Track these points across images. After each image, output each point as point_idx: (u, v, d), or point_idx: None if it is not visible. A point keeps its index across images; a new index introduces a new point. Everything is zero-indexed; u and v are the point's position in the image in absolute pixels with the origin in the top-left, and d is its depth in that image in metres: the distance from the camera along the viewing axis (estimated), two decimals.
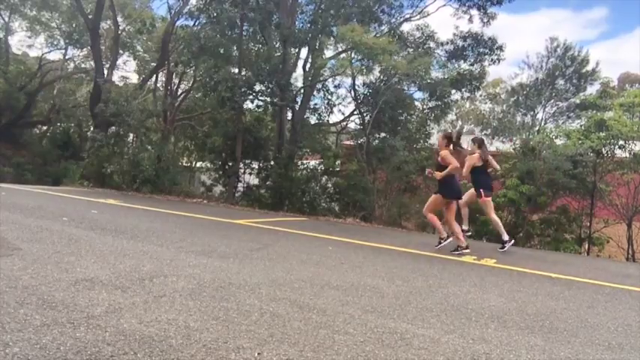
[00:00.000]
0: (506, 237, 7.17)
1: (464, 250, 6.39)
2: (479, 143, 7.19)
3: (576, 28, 69.83)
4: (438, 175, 6.56)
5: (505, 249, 7.11)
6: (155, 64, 17.89)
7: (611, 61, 57.50)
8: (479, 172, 7.07)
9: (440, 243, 6.80)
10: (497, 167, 7.65)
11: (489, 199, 7.15)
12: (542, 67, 15.81)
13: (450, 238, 6.68)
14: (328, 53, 15.44)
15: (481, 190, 7.05)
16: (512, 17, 67.53)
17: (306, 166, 14.37)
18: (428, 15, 15.77)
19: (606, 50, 67.18)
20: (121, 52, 20.41)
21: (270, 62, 12.98)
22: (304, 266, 4.39)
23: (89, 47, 19.97)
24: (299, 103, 14.64)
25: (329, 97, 14.98)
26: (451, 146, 6.66)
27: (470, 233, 7.83)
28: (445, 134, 7.01)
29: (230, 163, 14.40)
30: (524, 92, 15.93)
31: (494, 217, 7.27)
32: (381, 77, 13.76)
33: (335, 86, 15.93)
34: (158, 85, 20.20)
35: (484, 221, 12.39)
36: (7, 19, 23.17)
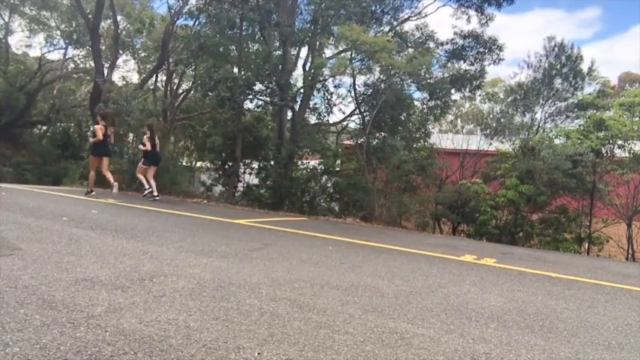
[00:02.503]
0: (91, 190, 9.49)
1: (91, 194, 9.25)
2: (102, 116, 9.93)
3: (571, 27, 70.04)
4: (92, 140, 9.84)
5: (92, 194, 9.36)
6: (155, 64, 17.87)
7: (606, 61, 57.74)
8: (102, 141, 9.54)
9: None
10: (112, 141, 10.33)
11: (95, 158, 9.80)
12: (540, 67, 15.76)
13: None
14: (328, 53, 15.46)
15: (92, 156, 9.98)
16: (506, 17, 67.70)
17: (306, 165, 14.38)
18: (426, 15, 15.80)
19: (601, 50, 67.40)
20: (120, 51, 20.39)
21: (269, 62, 12.97)
22: (304, 266, 4.39)
23: (89, 47, 19.96)
24: (299, 103, 14.64)
25: (329, 96, 14.99)
26: (104, 121, 9.64)
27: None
28: (100, 113, 10.26)
29: (230, 163, 14.40)
30: (522, 92, 15.89)
31: (92, 173, 9.75)
32: (381, 77, 13.76)
33: (335, 86, 15.95)
34: (158, 84, 20.18)
35: (483, 221, 12.42)
36: (7, 19, 23.15)
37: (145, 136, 10.42)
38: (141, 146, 10.56)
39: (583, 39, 78.94)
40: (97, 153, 9.74)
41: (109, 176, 9.69)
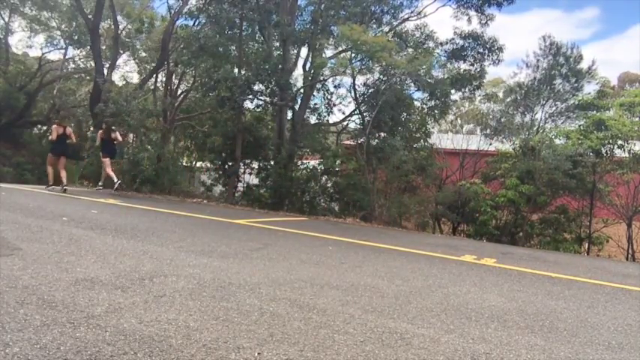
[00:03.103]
0: (52, 185, 10.25)
1: (52, 187, 10.12)
2: (60, 118, 11.24)
3: (569, 27, 70.03)
4: (52, 139, 10.51)
5: (51, 187, 10.19)
6: (155, 64, 17.88)
7: (605, 61, 57.68)
8: (58, 140, 10.32)
9: (54, 188, 10.36)
10: (74, 140, 10.85)
11: (50, 156, 10.53)
12: (539, 67, 15.73)
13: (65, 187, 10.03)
14: (328, 53, 15.46)
15: (50, 153, 10.64)
16: (505, 17, 67.65)
17: (306, 165, 14.38)
18: (426, 15, 15.80)
19: (600, 50, 67.38)
20: (121, 52, 20.39)
21: (269, 62, 12.97)
22: (304, 266, 4.39)
23: (89, 47, 19.95)
24: (299, 103, 14.64)
25: (329, 96, 15.00)
26: (62, 122, 10.90)
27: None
28: (60, 114, 11.98)
29: (230, 163, 14.40)
30: (522, 92, 15.88)
31: (49, 169, 10.45)
32: (381, 77, 13.76)
33: (335, 86, 15.95)
34: (158, 85, 20.18)
35: (483, 221, 12.43)
36: (7, 19, 23.15)
37: (99, 132, 11.36)
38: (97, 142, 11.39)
39: (582, 39, 79.04)
40: (54, 152, 10.49)
41: (49, 170, 10.42)
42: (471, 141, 16.01)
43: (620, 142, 11.44)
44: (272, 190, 13.70)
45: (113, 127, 11.39)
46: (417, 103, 15.37)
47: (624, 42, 69.41)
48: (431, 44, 15.85)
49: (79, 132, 24.34)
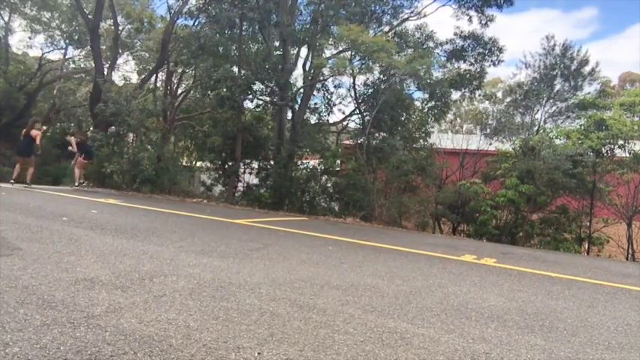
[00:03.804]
0: (15, 180, 11.20)
1: (13, 182, 11.04)
2: (31, 121, 11.78)
3: (567, 27, 70.03)
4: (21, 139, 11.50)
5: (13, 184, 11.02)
6: (155, 64, 17.87)
7: (603, 61, 57.66)
8: (25, 141, 11.38)
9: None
10: (38, 143, 11.51)
11: (20, 159, 11.63)
12: (540, 67, 15.71)
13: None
14: (328, 53, 15.47)
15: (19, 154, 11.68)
16: (503, 17, 67.60)
17: (305, 165, 14.38)
18: (426, 16, 15.80)
19: (598, 50, 67.37)
20: (120, 52, 20.38)
21: (269, 61, 12.97)
22: (304, 266, 4.39)
23: (89, 47, 19.95)
24: (299, 103, 14.64)
25: (329, 96, 15.00)
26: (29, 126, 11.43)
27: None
28: (34, 120, 12.44)
29: (230, 163, 14.40)
30: (522, 92, 15.86)
31: (17, 166, 11.52)
32: (381, 77, 13.76)
33: (335, 86, 15.96)
34: (158, 84, 20.17)
35: (483, 221, 12.42)
36: (7, 18, 23.16)
37: (73, 140, 12.67)
38: (70, 148, 12.71)
39: (580, 39, 79.13)
40: (18, 153, 11.78)
41: (17, 171, 11.62)
42: (471, 141, 16.01)
43: (620, 141, 11.44)
44: (272, 190, 13.70)
45: (81, 136, 13.11)
46: (417, 103, 15.38)
47: (623, 42, 69.46)
48: (431, 44, 15.85)
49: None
